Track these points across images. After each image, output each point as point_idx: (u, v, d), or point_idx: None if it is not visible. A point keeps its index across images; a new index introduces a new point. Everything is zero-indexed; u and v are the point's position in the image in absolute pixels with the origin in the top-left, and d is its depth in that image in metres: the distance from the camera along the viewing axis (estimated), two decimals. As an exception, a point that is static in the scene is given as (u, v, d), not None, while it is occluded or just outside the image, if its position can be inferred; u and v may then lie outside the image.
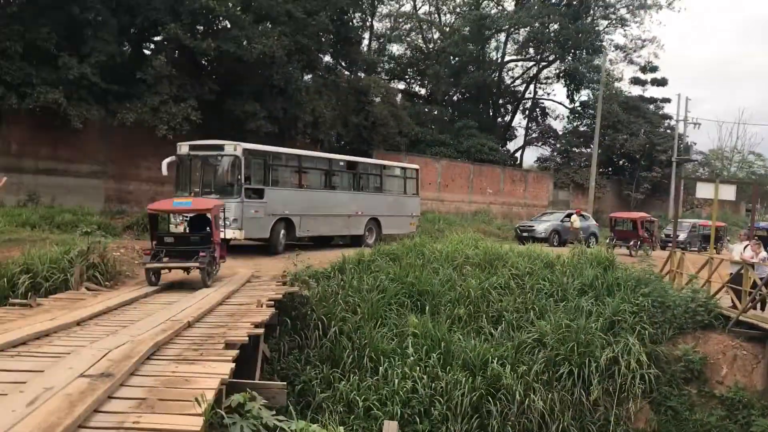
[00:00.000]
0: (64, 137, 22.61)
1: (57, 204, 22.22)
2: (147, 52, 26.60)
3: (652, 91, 51.71)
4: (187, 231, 13.68)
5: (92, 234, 13.59)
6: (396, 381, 11.07)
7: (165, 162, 17.75)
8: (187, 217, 14.08)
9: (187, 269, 12.48)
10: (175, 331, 7.47)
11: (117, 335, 7.01)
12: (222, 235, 13.60)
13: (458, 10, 48.41)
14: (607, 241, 25.63)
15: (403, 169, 25.10)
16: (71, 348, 6.24)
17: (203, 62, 25.64)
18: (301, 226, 19.09)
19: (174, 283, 12.61)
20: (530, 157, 52.48)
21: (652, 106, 51.28)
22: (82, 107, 21.83)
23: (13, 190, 21.40)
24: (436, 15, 49.32)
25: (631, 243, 25.96)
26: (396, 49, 48.63)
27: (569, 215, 29.98)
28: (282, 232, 18.48)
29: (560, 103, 50.74)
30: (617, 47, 49.05)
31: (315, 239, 20.98)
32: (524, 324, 13.60)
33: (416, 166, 25.78)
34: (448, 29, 47.20)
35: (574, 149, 48.62)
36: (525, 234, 28.01)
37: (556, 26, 43.00)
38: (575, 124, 50.07)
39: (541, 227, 28.91)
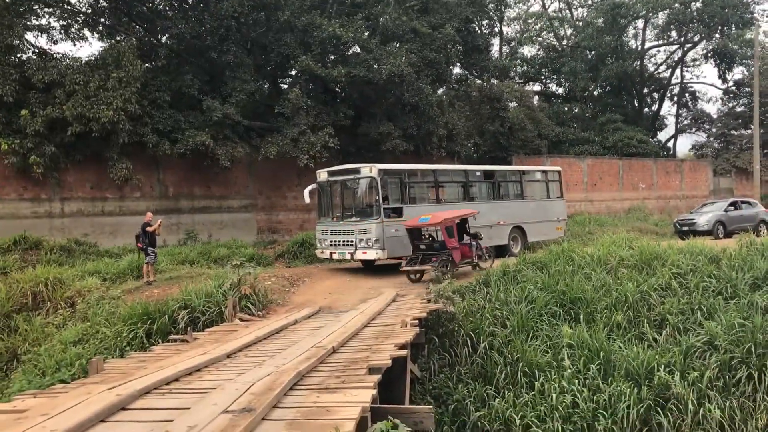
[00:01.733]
0: (214, 176, 24.02)
1: (213, 239, 23.59)
2: (283, 86, 27.70)
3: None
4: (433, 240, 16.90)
5: (242, 266, 14.12)
6: (554, 396, 10.43)
7: (306, 190, 18.31)
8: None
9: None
10: (319, 358, 7.46)
11: (262, 366, 7.09)
12: (455, 242, 15.95)
13: (590, 2, 46.66)
14: None
15: (544, 172, 24.19)
16: (218, 382, 6.35)
17: (336, 89, 26.29)
18: (443, 240, 18.88)
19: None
20: (684, 145, 49.44)
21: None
22: (228, 146, 23.05)
23: (173, 230, 23.00)
24: (567, 10, 47.81)
25: None
26: (528, 50, 47.73)
27: (734, 203, 27.56)
28: (423, 248, 18.35)
29: (712, 85, 47.97)
30: (771, 16, 45.11)
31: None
32: (691, 326, 12.47)
33: (558, 168, 24.74)
34: (580, 23, 45.56)
35: (733, 132, 45.27)
36: (685, 228, 26.02)
37: (698, 4, 40.17)
38: (731, 105, 46.82)
39: (703, 219, 26.56)
